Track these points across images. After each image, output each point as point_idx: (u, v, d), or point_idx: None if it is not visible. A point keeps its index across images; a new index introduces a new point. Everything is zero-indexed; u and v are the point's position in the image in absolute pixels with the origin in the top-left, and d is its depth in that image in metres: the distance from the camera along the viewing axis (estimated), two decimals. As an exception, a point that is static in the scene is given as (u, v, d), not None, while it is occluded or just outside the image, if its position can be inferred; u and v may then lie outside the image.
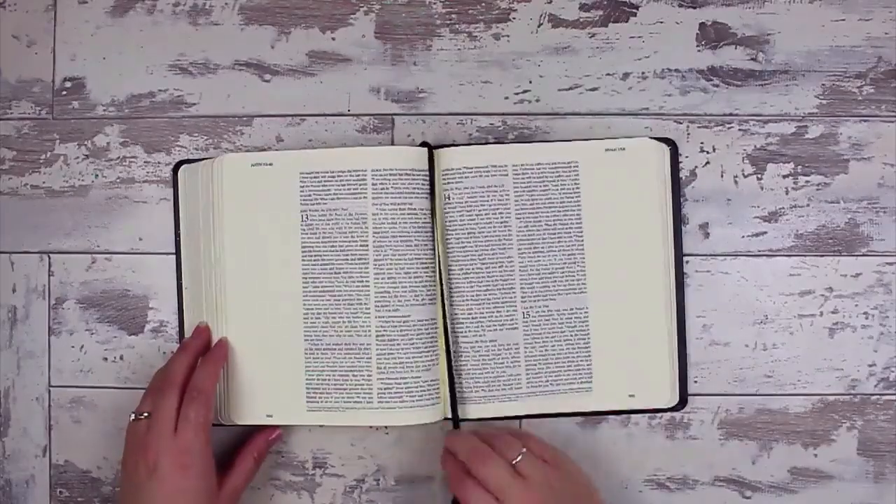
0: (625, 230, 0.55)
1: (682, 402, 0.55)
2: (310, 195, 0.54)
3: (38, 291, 0.58)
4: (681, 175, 0.56)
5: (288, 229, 0.54)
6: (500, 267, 0.55)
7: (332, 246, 0.54)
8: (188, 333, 0.56)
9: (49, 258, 0.58)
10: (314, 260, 0.54)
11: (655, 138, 0.55)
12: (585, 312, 0.55)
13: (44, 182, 0.58)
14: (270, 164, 0.54)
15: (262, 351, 0.54)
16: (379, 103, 0.57)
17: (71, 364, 0.57)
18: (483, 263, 0.55)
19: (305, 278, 0.54)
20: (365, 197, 0.53)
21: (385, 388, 0.53)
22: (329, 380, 0.54)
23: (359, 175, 0.53)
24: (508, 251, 0.55)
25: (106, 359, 0.57)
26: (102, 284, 0.57)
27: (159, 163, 0.58)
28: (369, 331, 0.53)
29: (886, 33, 0.56)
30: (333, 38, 0.58)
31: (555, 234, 0.55)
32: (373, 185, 0.53)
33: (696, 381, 0.56)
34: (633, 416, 0.56)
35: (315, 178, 0.54)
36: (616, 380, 0.55)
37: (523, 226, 0.55)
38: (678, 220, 0.56)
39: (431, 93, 0.57)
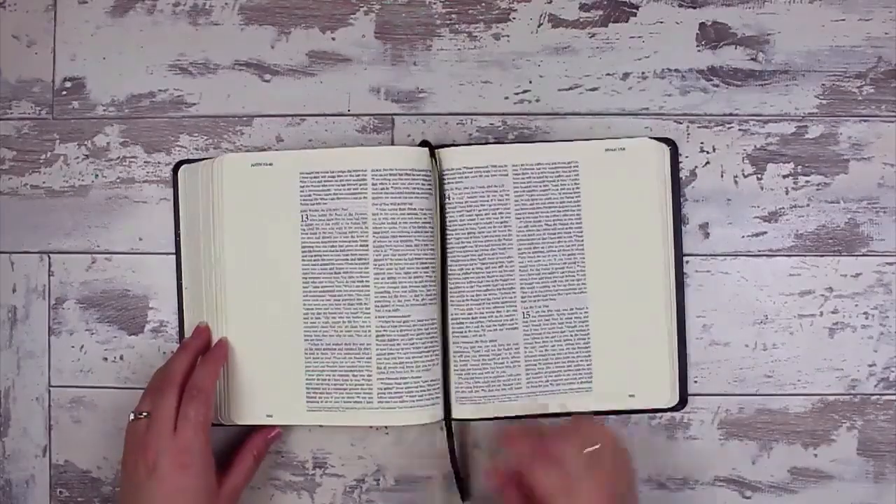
0: (625, 230, 0.55)
1: (682, 402, 0.55)
2: (310, 195, 0.54)
3: (38, 291, 0.58)
4: (681, 175, 0.56)
5: (288, 229, 0.54)
6: (500, 267, 0.55)
7: (332, 246, 0.54)
8: (188, 333, 0.56)
9: (49, 258, 0.58)
10: (314, 260, 0.54)
11: (655, 138, 0.55)
12: (585, 312, 0.55)
13: (44, 182, 0.58)
14: (270, 164, 0.54)
15: (262, 351, 0.54)
16: (379, 103, 0.57)
17: (71, 364, 0.57)
18: (483, 263, 0.55)
19: (305, 278, 0.54)
20: (365, 197, 0.53)
21: (385, 388, 0.53)
22: (329, 380, 0.54)
23: (359, 175, 0.53)
24: (508, 251, 0.55)
25: (106, 359, 0.57)
26: (102, 284, 0.57)
27: (159, 163, 0.58)
28: (369, 331, 0.53)
29: (886, 33, 0.56)
30: (333, 38, 0.58)
31: (555, 234, 0.55)
32: (373, 185, 0.53)
33: (696, 381, 0.56)
34: (633, 416, 0.56)
35: (315, 178, 0.54)
36: (616, 380, 0.55)
37: (523, 226, 0.55)
38: (678, 220, 0.55)
39: (431, 93, 0.57)
